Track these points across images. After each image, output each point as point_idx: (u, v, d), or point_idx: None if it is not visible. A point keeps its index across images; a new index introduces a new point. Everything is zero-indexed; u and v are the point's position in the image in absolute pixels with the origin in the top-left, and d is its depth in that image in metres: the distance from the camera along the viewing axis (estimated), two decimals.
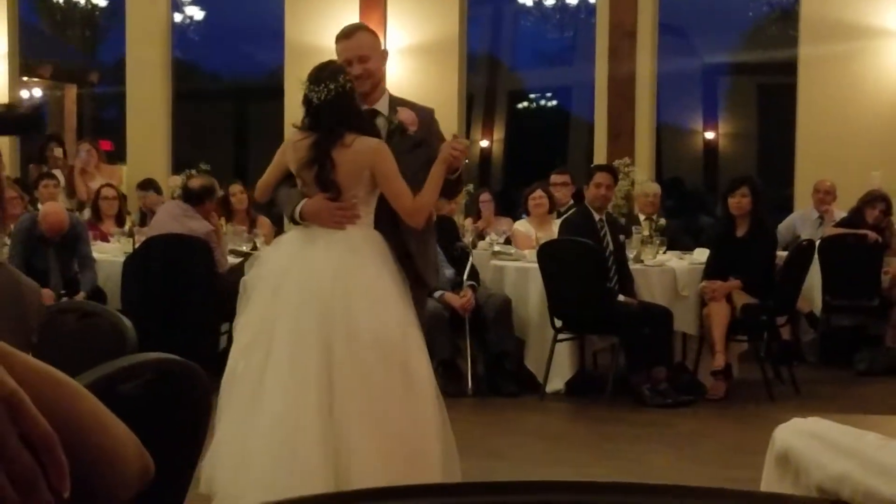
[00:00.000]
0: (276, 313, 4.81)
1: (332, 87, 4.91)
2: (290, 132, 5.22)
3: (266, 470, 4.58)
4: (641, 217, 10.16)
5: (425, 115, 5.28)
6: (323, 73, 4.96)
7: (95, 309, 3.66)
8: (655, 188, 10.67)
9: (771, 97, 19.33)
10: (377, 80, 5.24)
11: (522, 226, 9.96)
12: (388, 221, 5.00)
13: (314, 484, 4.48)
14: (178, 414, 2.32)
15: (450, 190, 5.22)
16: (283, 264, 4.96)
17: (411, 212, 4.95)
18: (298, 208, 4.98)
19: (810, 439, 2.21)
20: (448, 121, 11.95)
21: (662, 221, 10.01)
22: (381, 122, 5.17)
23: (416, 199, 4.94)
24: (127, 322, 3.12)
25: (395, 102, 5.27)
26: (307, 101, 4.96)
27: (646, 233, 9.32)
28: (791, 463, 2.20)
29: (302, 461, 4.56)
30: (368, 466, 4.57)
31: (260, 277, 4.96)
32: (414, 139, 5.14)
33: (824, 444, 2.18)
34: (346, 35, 5.23)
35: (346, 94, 4.92)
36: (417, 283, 5.14)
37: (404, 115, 5.14)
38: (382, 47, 5.46)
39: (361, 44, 5.20)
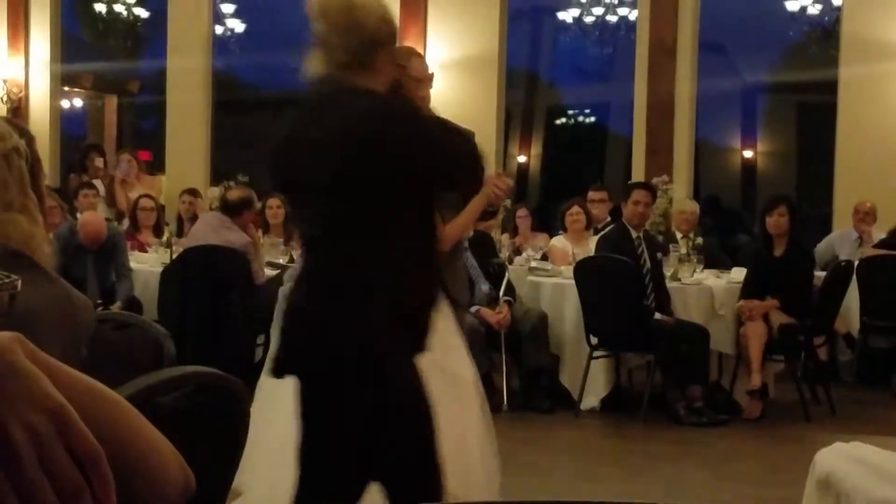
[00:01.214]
0: None
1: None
2: None
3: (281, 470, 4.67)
4: (679, 235, 10.12)
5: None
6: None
7: (133, 320, 3.67)
8: (693, 206, 10.63)
9: (810, 116, 19.25)
10: None
11: (559, 241, 9.94)
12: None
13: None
14: (217, 428, 2.32)
15: (485, 218, 5.28)
16: None
17: (439, 238, 4.97)
18: None
19: (853, 464, 2.20)
20: (486, 136, 11.99)
21: (700, 240, 9.97)
22: None
23: (448, 227, 4.97)
24: (165, 333, 3.14)
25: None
26: None
27: (683, 251, 9.29)
28: (833, 487, 2.19)
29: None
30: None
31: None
32: None
33: (867, 469, 2.17)
34: (419, 53, 5.27)
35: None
36: (451, 303, 5.17)
37: None
38: None
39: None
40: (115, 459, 1.12)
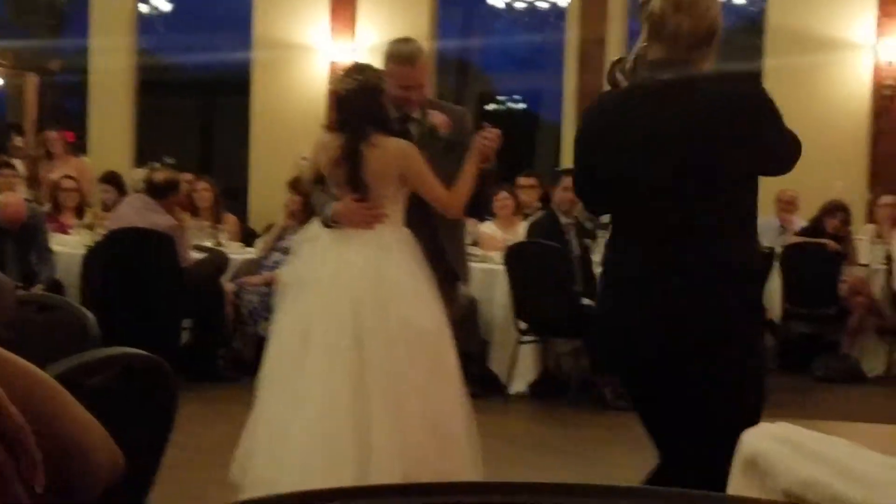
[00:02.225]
0: (312, 309, 4.93)
1: (358, 77, 4.99)
2: (321, 135, 5.26)
3: (301, 458, 4.70)
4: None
5: (457, 116, 5.39)
6: (352, 68, 5.09)
7: (56, 301, 3.61)
8: None
9: None
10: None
11: (488, 227, 9.93)
12: (418, 218, 5.11)
13: (347, 473, 4.62)
14: (145, 410, 2.28)
15: (487, 180, 5.29)
16: (318, 264, 5.06)
17: (448, 204, 5.06)
18: (329, 212, 5.07)
19: (779, 444, 2.20)
20: None
21: None
22: (413, 126, 5.28)
23: (452, 192, 5.04)
24: (90, 315, 3.08)
25: (427, 105, 5.31)
26: (336, 96, 5.06)
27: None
28: (759, 467, 2.19)
29: (336, 451, 4.68)
30: (396, 456, 4.70)
31: (297, 275, 5.12)
32: (447, 141, 5.22)
33: (793, 448, 2.17)
34: (408, 61, 5.23)
35: (373, 90, 5.01)
36: (448, 277, 5.24)
37: (436, 118, 5.24)
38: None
39: (423, 71, 5.31)
40: (44, 439, 1.09)
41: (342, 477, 4.58)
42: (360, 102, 5.01)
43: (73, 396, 1.24)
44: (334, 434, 4.70)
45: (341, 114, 5.11)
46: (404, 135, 5.21)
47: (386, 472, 4.62)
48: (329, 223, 5.12)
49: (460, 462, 4.89)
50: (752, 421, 2.87)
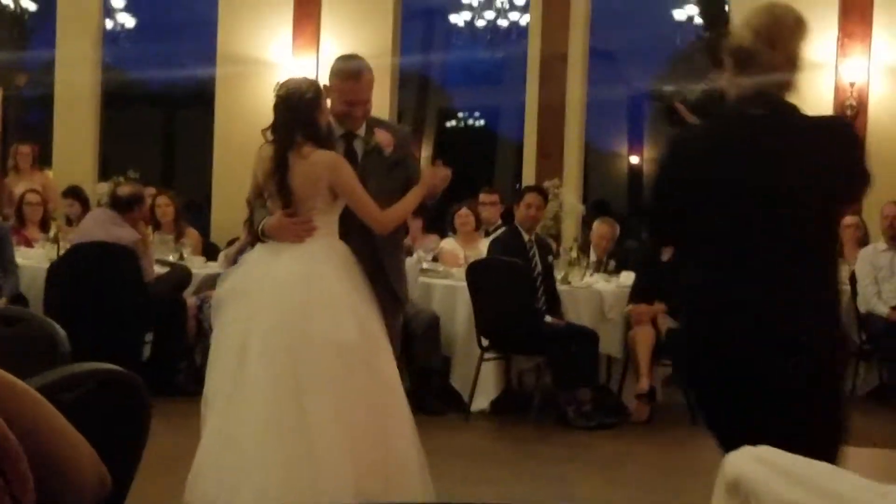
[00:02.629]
0: (243, 323, 4.91)
1: (290, 87, 5.04)
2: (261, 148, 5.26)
3: (249, 476, 4.65)
4: (593, 256, 9.99)
5: (401, 135, 5.46)
6: (290, 79, 5.11)
7: (23, 314, 3.60)
8: (611, 230, 10.25)
9: None
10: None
11: (449, 244, 9.96)
12: (360, 234, 5.13)
13: (290, 489, 4.61)
14: (118, 424, 2.29)
15: (425, 211, 5.37)
16: (250, 277, 5.07)
17: (378, 222, 5.10)
18: (261, 225, 5.11)
19: (762, 466, 2.23)
20: None
21: (612, 265, 9.83)
22: (358, 144, 5.34)
23: (387, 212, 5.09)
24: (59, 329, 3.08)
25: (372, 123, 5.40)
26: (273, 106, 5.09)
27: (573, 254, 9.36)
28: (742, 490, 2.21)
29: (277, 467, 4.65)
30: (339, 469, 4.66)
31: (229, 291, 5.09)
32: (391, 159, 5.29)
33: (776, 471, 2.20)
34: (352, 76, 5.28)
35: (304, 98, 5.04)
36: (390, 294, 5.26)
37: (381, 136, 5.28)
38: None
39: (367, 87, 5.33)
40: (33, 455, 1.10)
41: (294, 493, 4.59)
42: (287, 111, 5.04)
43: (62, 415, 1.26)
44: (279, 451, 4.67)
45: (274, 123, 5.12)
46: (349, 152, 5.28)
47: (337, 485, 4.61)
48: (262, 237, 5.15)
49: (409, 473, 4.89)
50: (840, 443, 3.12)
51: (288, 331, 4.82)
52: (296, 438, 4.68)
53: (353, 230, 5.12)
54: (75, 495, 1.25)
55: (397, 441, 4.90)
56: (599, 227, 10.24)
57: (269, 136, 5.12)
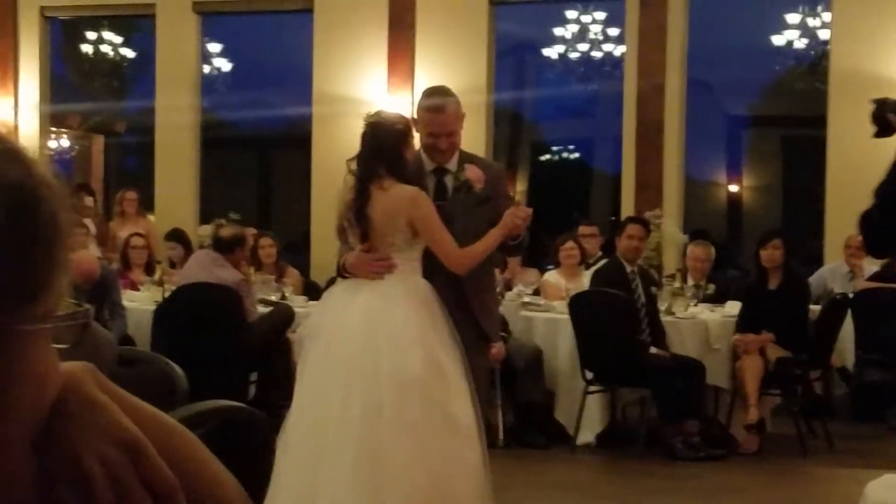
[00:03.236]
0: (321, 364, 4.95)
1: (380, 117, 5.09)
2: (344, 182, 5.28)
3: None
4: (690, 281, 9.94)
5: (493, 172, 5.43)
6: (380, 111, 5.13)
7: (141, 355, 3.65)
8: (706, 252, 10.16)
9: (796, 150, 19.32)
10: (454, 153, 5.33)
11: (552, 276, 9.92)
12: (445, 272, 5.11)
13: None
14: (243, 461, 2.29)
15: (512, 251, 5.34)
16: (328, 316, 5.13)
17: (453, 260, 5.06)
18: (341, 261, 5.13)
19: None
20: None
21: (711, 288, 9.79)
22: (448, 179, 5.29)
23: (464, 251, 5.06)
24: (178, 369, 3.11)
25: (465, 158, 5.36)
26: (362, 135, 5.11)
27: (677, 285, 9.28)
28: None
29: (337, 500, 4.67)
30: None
31: (309, 330, 5.16)
32: (480, 196, 5.23)
33: None
34: (436, 109, 5.28)
35: (392, 131, 5.05)
36: (476, 333, 5.21)
37: (471, 172, 5.22)
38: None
39: (454, 118, 5.29)
40: (186, 492, 1.10)
41: None
42: (374, 140, 5.05)
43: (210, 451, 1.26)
44: (341, 490, 4.69)
45: (359, 153, 5.13)
46: (439, 187, 5.27)
47: None
48: (343, 273, 5.17)
49: None
50: None
51: (351, 367, 4.83)
52: (345, 473, 4.70)
53: (437, 268, 5.09)
54: None
55: (457, 481, 4.85)
56: (694, 249, 10.15)
57: (353, 165, 5.14)
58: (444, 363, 4.89)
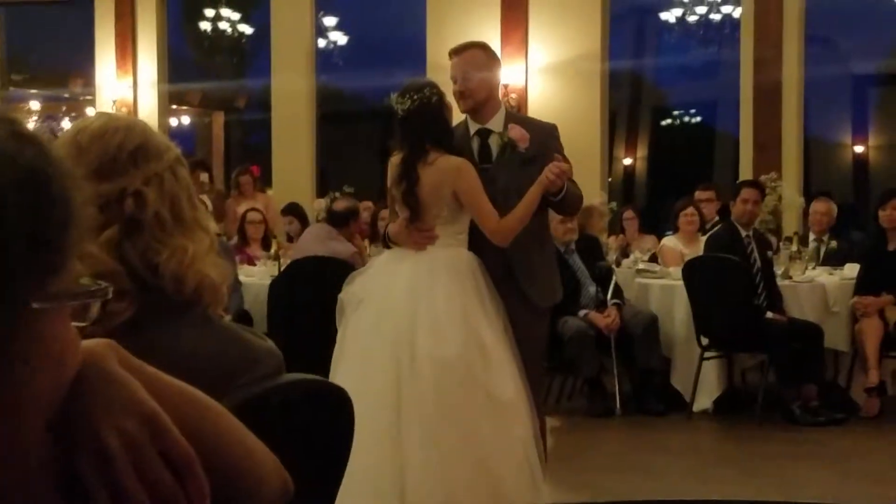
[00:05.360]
0: (365, 333, 4.95)
1: (415, 97, 5.01)
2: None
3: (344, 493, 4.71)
4: (811, 237, 9.80)
5: (542, 132, 5.29)
6: (409, 87, 5.07)
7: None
8: (827, 206, 10.02)
9: None
10: (480, 99, 5.26)
11: (670, 241, 9.83)
12: (492, 244, 5.06)
13: (379, 501, 4.63)
14: (323, 436, 2.32)
15: (559, 208, 5.25)
16: (372, 284, 5.10)
17: (495, 231, 5.02)
18: (386, 231, 5.20)
19: None
20: (590, 138, 11.94)
21: (834, 243, 9.66)
22: (493, 139, 5.23)
23: (504, 220, 5.00)
24: (271, 344, 3.14)
25: (511, 119, 5.32)
26: (396, 115, 5.08)
27: (794, 248, 9.14)
28: None
29: (369, 482, 4.61)
30: (426, 487, 4.65)
31: (350, 295, 5.12)
32: (525, 155, 5.15)
33: None
34: (456, 51, 5.30)
35: (431, 105, 5.03)
36: (523, 303, 5.13)
37: (515, 131, 5.16)
38: (493, 67, 5.40)
39: (469, 61, 5.25)
40: (210, 464, 1.13)
41: None
42: (417, 121, 5.02)
43: (241, 422, 1.28)
44: (371, 463, 4.62)
45: (400, 130, 5.12)
46: (484, 148, 5.22)
47: (424, 501, 4.61)
48: (388, 242, 5.20)
49: (520, 489, 4.79)
50: None
51: (396, 344, 4.80)
52: (388, 452, 4.68)
53: (483, 239, 5.06)
54: (256, 502, 1.27)
55: (504, 453, 4.80)
56: (815, 204, 10.03)
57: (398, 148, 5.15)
58: (487, 340, 4.85)
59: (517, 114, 5.50)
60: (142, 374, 1.14)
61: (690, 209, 9.76)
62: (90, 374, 1.08)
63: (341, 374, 4.87)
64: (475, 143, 5.25)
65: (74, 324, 1.06)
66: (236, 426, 1.25)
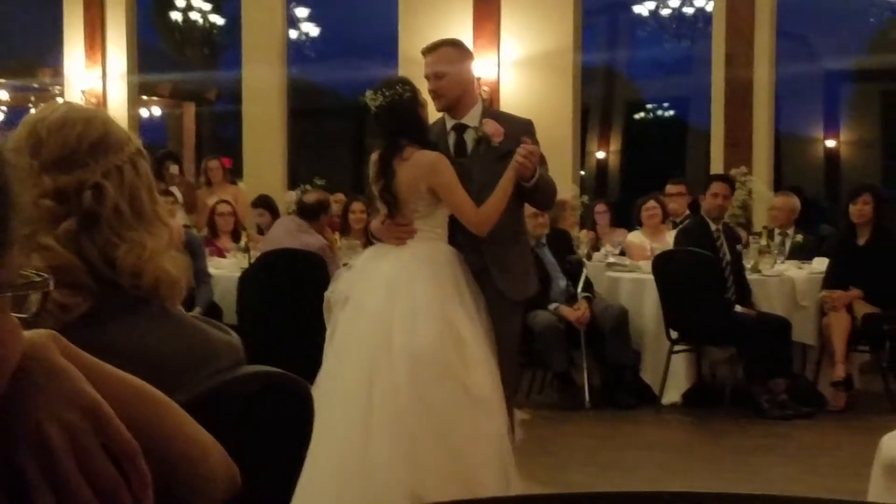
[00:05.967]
0: (346, 329, 5.00)
1: (387, 94, 5.03)
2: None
3: (310, 483, 4.74)
4: (776, 231, 9.84)
5: (517, 127, 5.32)
6: (382, 84, 5.10)
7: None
8: (785, 200, 10.10)
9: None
10: (453, 97, 5.29)
11: (636, 237, 9.87)
12: (466, 236, 5.12)
13: (343, 490, 4.68)
14: (282, 429, 2.31)
15: (534, 199, 5.27)
16: (355, 280, 5.16)
17: (475, 223, 5.06)
18: (369, 226, 5.31)
19: None
20: (562, 132, 11.93)
21: (799, 238, 9.69)
22: (468, 134, 5.26)
23: (481, 209, 5.05)
24: (232, 337, 3.13)
25: (487, 114, 5.36)
26: (369, 111, 5.11)
27: (763, 242, 9.17)
28: None
29: (333, 470, 4.67)
30: (392, 476, 4.67)
31: (336, 293, 5.19)
32: (500, 150, 5.18)
33: None
34: (428, 49, 5.35)
35: (403, 101, 5.05)
36: (497, 296, 5.17)
37: (489, 126, 5.21)
38: (466, 63, 5.44)
39: (440, 60, 5.29)
40: (155, 456, 1.12)
41: (346, 495, 4.67)
42: (390, 118, 5.07)
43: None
44: (338, 455, 4.69)
45: (378, 131, 5.18)
46: (459, 143, 5.27)
47: (390, 490, 4.63)
48: (371, 238, 5.27)
49: (488, 481, 4.81)
50: None
51: (372, 337, 4.85)
52: (356, 441, 4.72)
53: (459, 232, 5.12)
54: (201, 495, 1.26)
55: (477, 447, 4.84)
56: (774, 199, 10.13)
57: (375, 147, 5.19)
58: (464, 334, 4.89)
59: (494, 109, 5.52)
60: (85, 366, 1.12)
61: (651, 203, 9.83)
62: (31, 365, 1.07)
63: (328, 370, 4.96)
64: (451, 139, 5.30)
65: (16, 315, 1.05)
66: (182, 418, 1.24)
